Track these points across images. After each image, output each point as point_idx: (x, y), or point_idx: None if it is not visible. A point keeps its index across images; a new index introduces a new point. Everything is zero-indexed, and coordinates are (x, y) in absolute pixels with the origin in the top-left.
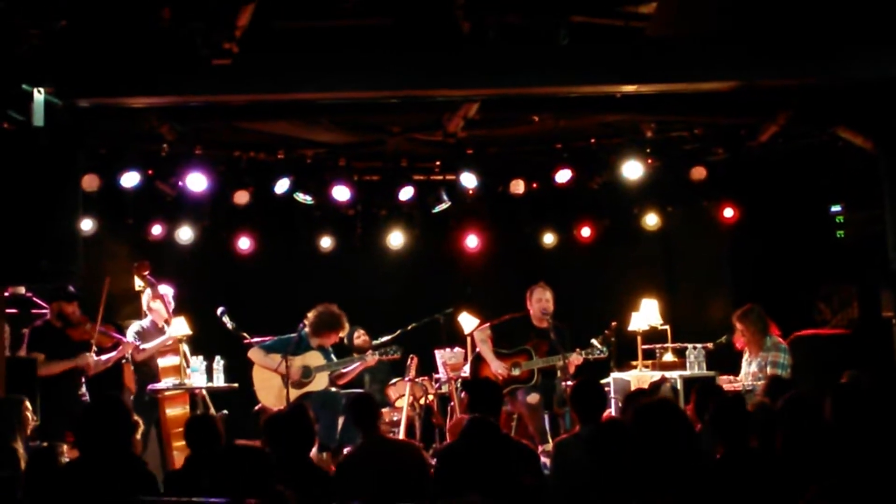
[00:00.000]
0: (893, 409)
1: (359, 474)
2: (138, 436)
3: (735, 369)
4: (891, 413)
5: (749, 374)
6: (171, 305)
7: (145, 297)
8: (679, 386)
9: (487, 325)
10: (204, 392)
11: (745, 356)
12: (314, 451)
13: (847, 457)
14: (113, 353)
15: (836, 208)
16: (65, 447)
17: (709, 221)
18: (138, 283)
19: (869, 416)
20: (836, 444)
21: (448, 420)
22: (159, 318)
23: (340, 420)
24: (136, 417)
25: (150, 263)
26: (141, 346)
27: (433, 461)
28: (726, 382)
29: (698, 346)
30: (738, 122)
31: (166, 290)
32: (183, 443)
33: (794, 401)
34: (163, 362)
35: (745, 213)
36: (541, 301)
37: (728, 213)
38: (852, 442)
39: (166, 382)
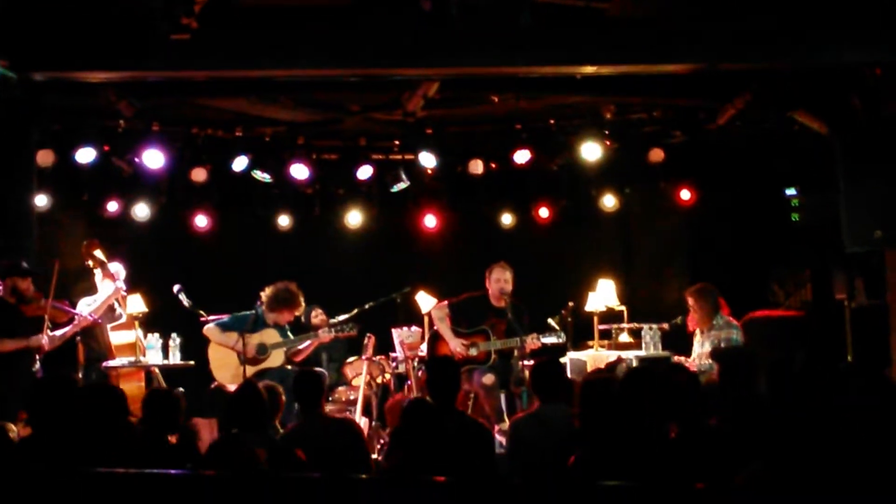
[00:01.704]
0: (829, 388)
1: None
2: None
3: (689, 350)
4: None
5: (702, 353)
6: (123, 284)
7: (97, 275)
8: (634, 366)
9: (445, 303)
10: (157, 370)
11: (697, 337)
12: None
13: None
14: (68, 328)
15: (791, 192)
16: (13, 427)
17: (666, 203)
18: (89, 262)
19: (800, 394)
20: (772, 421)
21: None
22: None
23: None
24: None
25: (106, 240)
26: (91, 313)
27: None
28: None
29: (654, 326)
30: (697, 105)
31: (117, 268)
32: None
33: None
34: (117, 339)
35: (702, 196)
36: (499, 281)
37: (685, 195)
38: (786, 419)
39: (121, 359)
